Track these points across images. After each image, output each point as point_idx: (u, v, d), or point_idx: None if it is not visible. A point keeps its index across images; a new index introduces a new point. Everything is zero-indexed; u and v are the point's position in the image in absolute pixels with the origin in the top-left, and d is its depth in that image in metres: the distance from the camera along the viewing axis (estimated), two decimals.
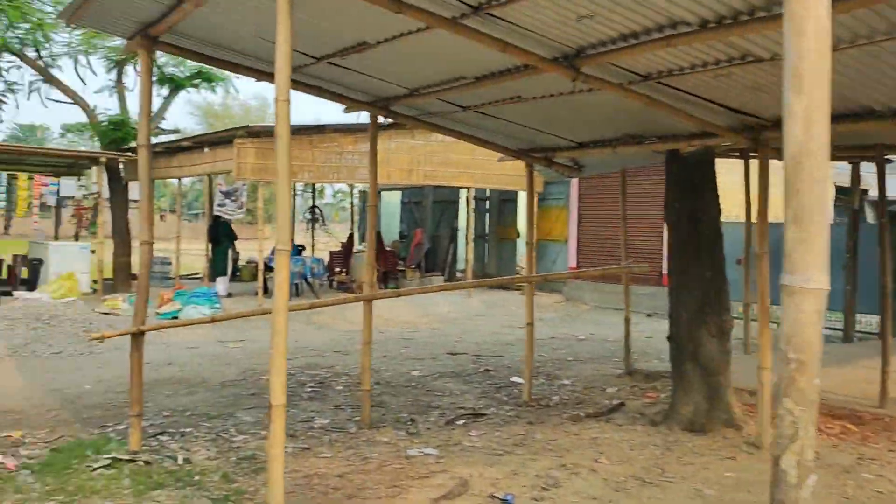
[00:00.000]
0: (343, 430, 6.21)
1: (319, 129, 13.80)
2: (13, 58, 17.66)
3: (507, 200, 19.41)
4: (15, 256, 17.24)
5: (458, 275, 19.66)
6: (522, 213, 19.25)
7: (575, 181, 15.81)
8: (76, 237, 17.20)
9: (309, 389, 7.82)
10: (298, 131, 13.77)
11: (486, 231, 19.79)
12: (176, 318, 12.13)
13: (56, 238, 17.75)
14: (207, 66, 18.10)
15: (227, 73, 18.44)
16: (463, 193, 19.56)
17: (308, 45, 5.26)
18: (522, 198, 19.17)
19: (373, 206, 6.68)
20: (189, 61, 18.09)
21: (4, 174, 14.12)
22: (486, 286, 15.71)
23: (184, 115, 55.02)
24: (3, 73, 17.74)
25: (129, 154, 15.62)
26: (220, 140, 14.02)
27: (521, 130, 6.67)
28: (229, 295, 14.48)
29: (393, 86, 6.01)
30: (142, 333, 5.57)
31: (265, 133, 12.96)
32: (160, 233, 30.53)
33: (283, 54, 3.60)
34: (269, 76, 5.94)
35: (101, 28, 7.15)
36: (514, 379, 8.21)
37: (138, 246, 5.54)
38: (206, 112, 50.47)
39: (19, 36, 16.09)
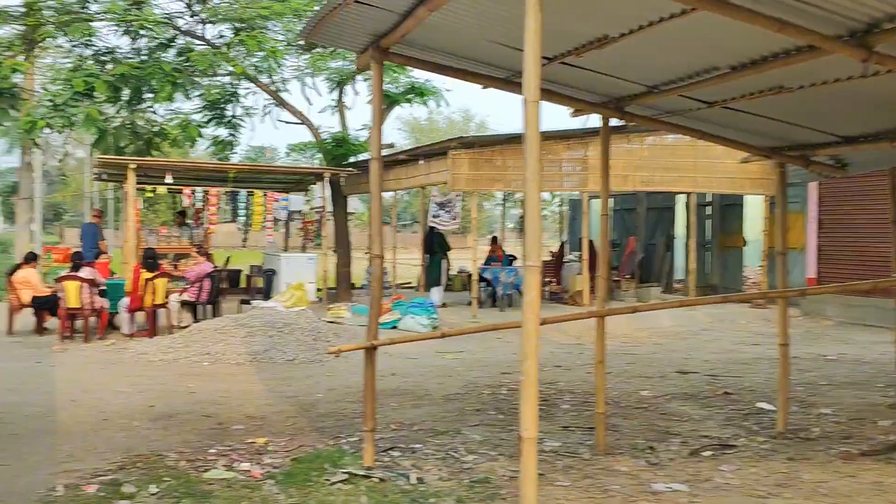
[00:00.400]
0: (576, 455, 5.79)
1: None
2: (249, 84, 19.30)
3: (730, 205, 17.96)
4: (252, 267, 18.75)
5: (676, 286, 18.51)
6: (749, 219, 17.73)
7: (813, 183, 14.21)
8: (303, 249, 18.34)
9: None
10: (509, 140, 13.63)
11: (708, 238, 18.45)
12: (395, 327, 12.41)
13: (286, 250, 19.05)
14: (421, 80, 18.67)
15: (437, 86, 18.90)
16: (680, 199, 18.39)
17: (542, 46, 4.93)
18: (749, 202, 17.66)
19: (604, 216, 6.20)
20: (402, 77, 18.76)
21: (243, 192, 15.26)
22: (723, 301, 14.50)
23: (391, 130, 57.53)
24: (241, 98, 19.42)
25: (349, 169, 16.37)
26: (434, 152, 14.23)
27: (776, 127, 5.89)
28: (443, 305, 14.63)
29: (629, 83, 5.53)
30: (374, 348, 5.54)
31: (478, 144, 12.95)
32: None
33: (533, 52, 3.28)
34: (500, 82, 5.71)
35: (335, 44, 7.33)
36: (763, 405, 7.33)
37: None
38: (412, 127, 52.57)
39: (255, 64, 17.50)
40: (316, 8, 17.20)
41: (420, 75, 18.34)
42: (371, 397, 5.49)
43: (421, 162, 14.50)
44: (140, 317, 11.99)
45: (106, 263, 13.03)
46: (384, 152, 18.58)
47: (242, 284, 18.42)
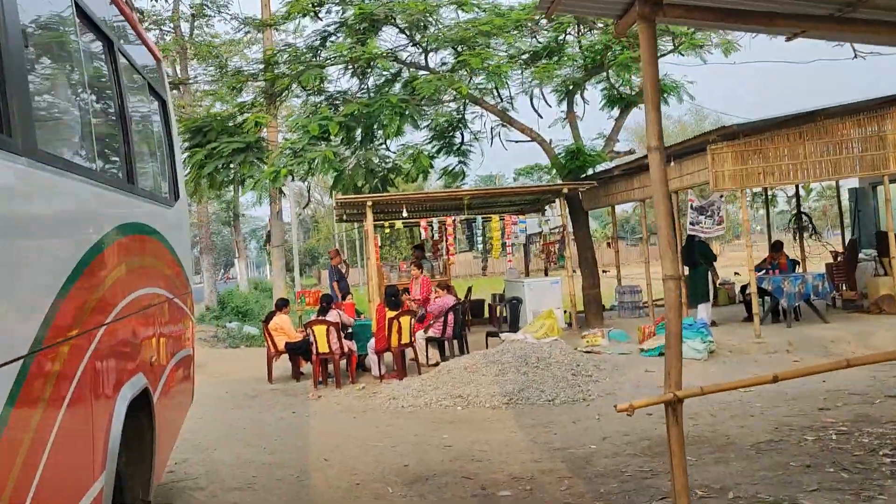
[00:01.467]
0: None
1: (810, 118, 11.29)
2: (475, 108, 18.76)
3: None
4: (494, 296, 18.00)
5: None
6: None
7: None
8: (545, 272, 17.24)
9: (887, 460, 5.57)
10: (783, 124, 11.49)
11: None
12: (662, 354, 10.76)
13: (527, 274, 18.09)
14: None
15: (680, 80, 16.99)
16: None
17: None
18: None
19: None
20: (636, 78, 17.11)
21: (479, 218, 14.51)
22: None
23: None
24: (468, 123, 18.94)
25: (590, 182, 15.03)
26: (687, 150, 12.43)
27: None
28: (713, 323, 12.67)
29: None
30: (679, 401, 4.15)
31: (745, 133, 11.00)
32: (607, 260, 30.22)
33: None
34: (821, 24, 4.13)
35: (586, 12, 6.10)
36: None
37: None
38: (638, 136, 49.90)
39: (479, 85, 16.89)
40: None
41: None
42: (681, 465, 4.10)
43: (671, 164, 12.77)
44: (389, 356, 11.55)
45: (352, 304, 12.87)
46: (623, 160, 17.05)
47: (486, 315, 17.77)
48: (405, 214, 14.23)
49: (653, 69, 4.20)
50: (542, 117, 16.76)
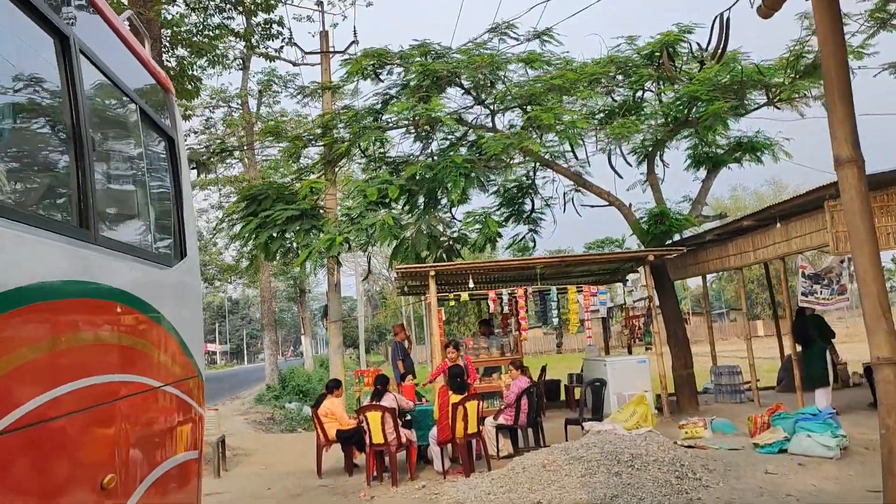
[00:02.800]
0: None
1: None
2: (546, 173, 17.52)
3: None
4: (571, 376, 16.28)
5: None
6: None
7: None
8: (628, 350, 15.50)
9: None
10: None
11: None
12: (784, 450, 8.90)
13: (606, 352, 16.37)
14: (750, 134, 15.36)
15: (774, 137, 15.41)
16: None
17: None
18: None
19: None
20: (722, 137, 15.62)
21: (555, 290, 13.02)
22: None
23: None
24: (539, 189, 17.68)
25: (679, 248, 13.44)
26: (796, 209, 10.78)
27: None
28: (836, 412, 10.69)
29: None
30: None
31: (871, 185, 9.33)
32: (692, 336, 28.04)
33: None
34: None
35: None
36: None
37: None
38: (714, 207, 47.65)
39: (550, 148, 15.70)
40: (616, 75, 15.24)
41: (746, 125, 15.10)
42: None
43: (777, 225, 11.12)
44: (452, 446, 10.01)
45: (412, 387, 11.43)
46: (709, 225, 15.43)
47: (562, 397, 16.03)
48: (471, 285, 12.87)
49: (836, 41, 2.78)
50: (621, 177, 15.40)
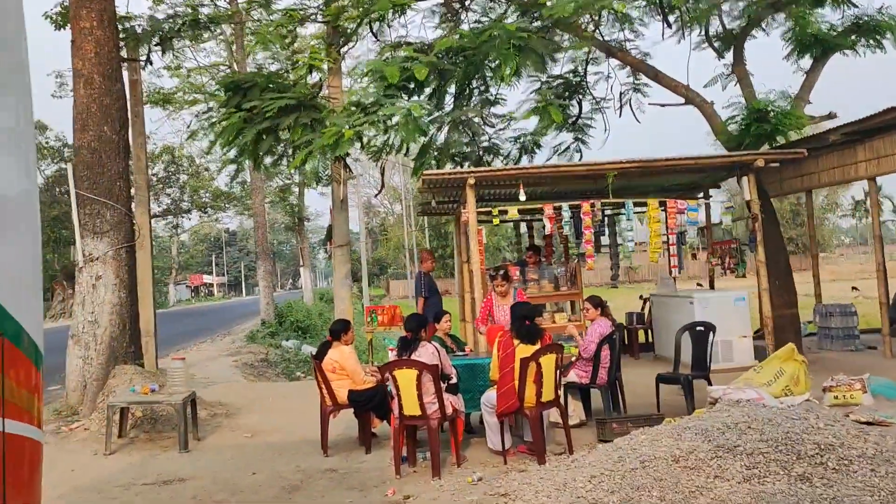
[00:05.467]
0: None
1: None
2: (600, 67, 14.29)
3: None
4: (630, 315, 13.30)
5: None
6: None
7: None
8: (710, 283, 12.46)
9: None
10: None
11: None
12: None
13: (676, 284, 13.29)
14: (869, 13, 12.04)
15: None
16: None
17: None
18: None
19: None
20: (826, 14, 12.37)
21: (630, 204, 9.89)
22: None
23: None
24: (590, 89, 14.43)
25: (796, 152, 10.28)
26: (882, 125, 7.54)
27: None
28: None
29: None
30: None
31: None
32: (694, 271, 24.65)
33: None
34: None
35: None
36: None
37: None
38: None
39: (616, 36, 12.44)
40: None
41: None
42: None
43: (859, 146, 7.94)
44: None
45: (447, 330, 8.43)
46: (822, 126, 12.23)
47: (625, 341, 13.08)
48: (523, 197, 9.74)
49: None
50: (721, 56, 12.13)
